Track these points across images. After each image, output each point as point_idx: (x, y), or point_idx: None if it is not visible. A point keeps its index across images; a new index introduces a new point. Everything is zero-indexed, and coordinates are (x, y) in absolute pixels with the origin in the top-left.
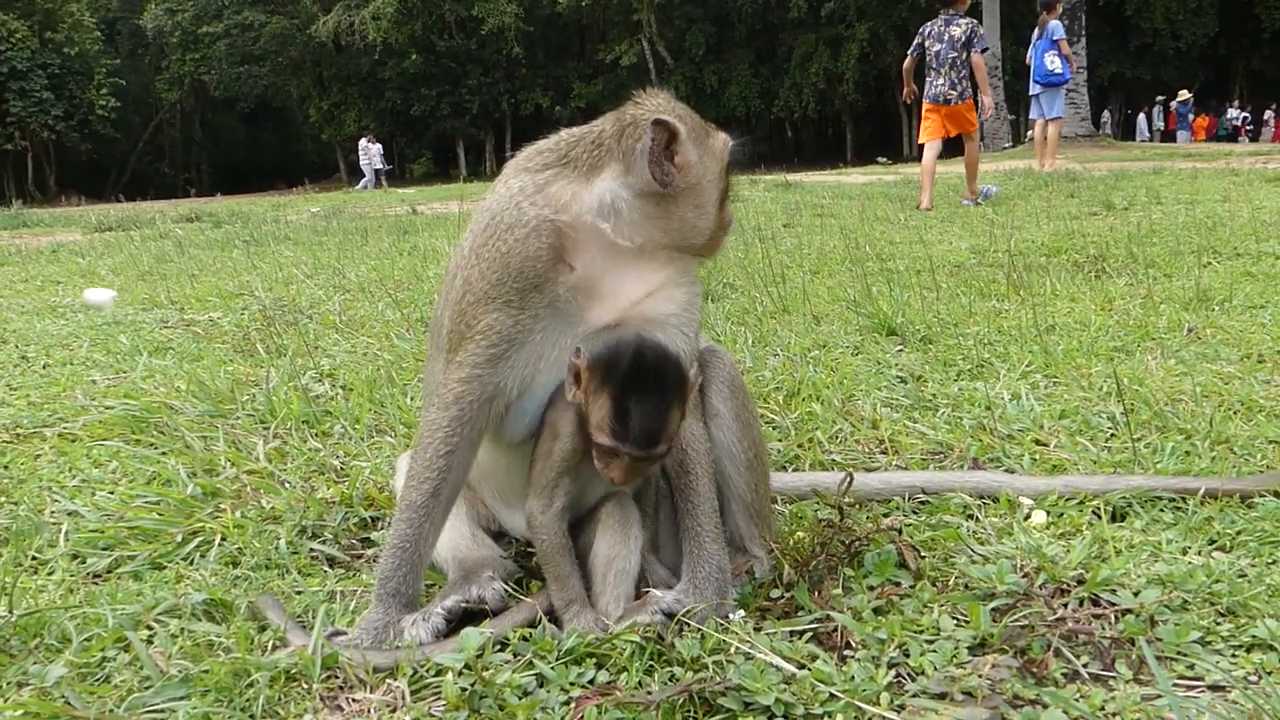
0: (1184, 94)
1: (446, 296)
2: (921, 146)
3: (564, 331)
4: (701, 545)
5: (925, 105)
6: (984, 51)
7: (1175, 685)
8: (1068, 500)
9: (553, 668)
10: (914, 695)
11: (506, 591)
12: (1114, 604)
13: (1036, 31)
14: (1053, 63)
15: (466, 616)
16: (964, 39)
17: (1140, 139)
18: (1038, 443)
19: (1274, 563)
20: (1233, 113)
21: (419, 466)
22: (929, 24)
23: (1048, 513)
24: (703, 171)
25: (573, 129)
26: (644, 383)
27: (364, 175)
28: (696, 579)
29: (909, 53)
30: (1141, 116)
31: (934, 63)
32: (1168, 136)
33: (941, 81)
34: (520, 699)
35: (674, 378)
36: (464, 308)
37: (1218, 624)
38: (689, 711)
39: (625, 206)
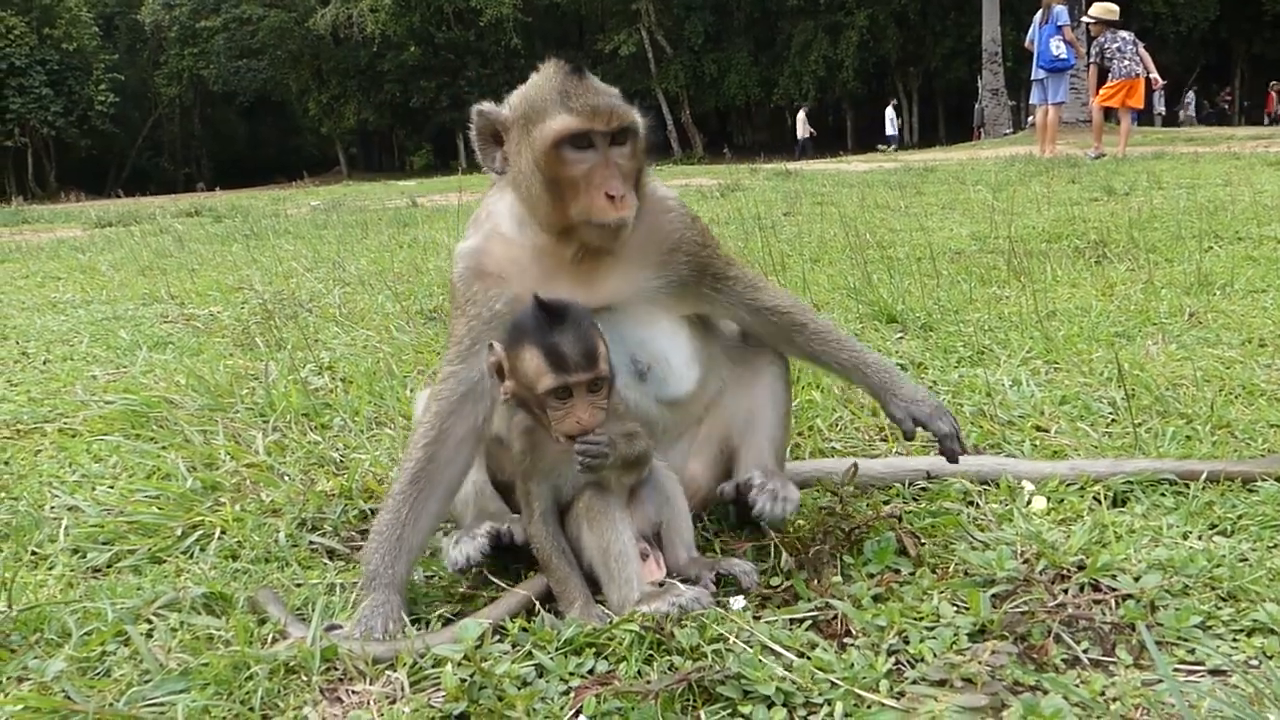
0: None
1: None
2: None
3: None
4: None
5: (1119, 81)
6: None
7: (1176, 670)
8: (1070, 485)
9: (552, 658)
10: (913, 682)
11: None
12: (1114, 589)
13: (1040, 15)
14: (1058, 48)
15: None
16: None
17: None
18: (1038, 429)
19: (1275, 546)
20: None
21: (405, 457)
22: (1111, 31)
23: (1048, 498)
24: (517, 153)
25: None
26: (556, 318)
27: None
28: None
29: (1092, 63)
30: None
31: (1120, 54)
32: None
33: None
34: (520, 689)
35: (579, 310)
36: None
37: (1219, 608)
38: (688, 700)
39: (508, 205)
